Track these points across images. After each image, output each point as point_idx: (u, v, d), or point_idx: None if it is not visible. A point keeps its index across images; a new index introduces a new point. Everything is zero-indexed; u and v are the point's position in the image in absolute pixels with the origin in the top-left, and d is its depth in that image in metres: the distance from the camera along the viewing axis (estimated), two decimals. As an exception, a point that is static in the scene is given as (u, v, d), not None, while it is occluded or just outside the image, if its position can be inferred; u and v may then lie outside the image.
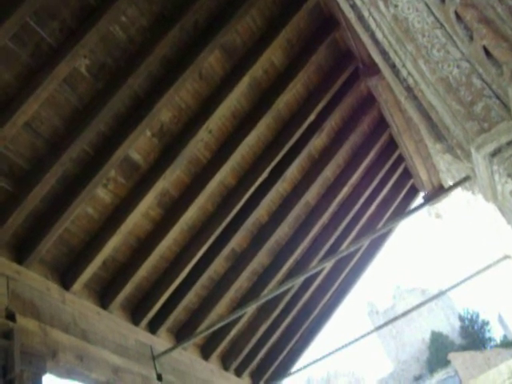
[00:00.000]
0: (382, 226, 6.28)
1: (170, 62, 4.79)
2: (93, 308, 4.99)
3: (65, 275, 4.80)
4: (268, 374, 8.11)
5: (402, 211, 9.14)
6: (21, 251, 4.36)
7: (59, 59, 3.85)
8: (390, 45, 3.22)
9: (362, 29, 3.59)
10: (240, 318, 6.84)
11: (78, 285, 4.79)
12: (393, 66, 3.54)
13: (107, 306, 5.16)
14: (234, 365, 7.39)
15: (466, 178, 4.46)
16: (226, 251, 6.25)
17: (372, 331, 7.23)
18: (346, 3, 3.55)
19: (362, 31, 3.64)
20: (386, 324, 7.44)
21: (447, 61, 2.80)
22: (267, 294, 5.66)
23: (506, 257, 6.14)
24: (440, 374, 45.79)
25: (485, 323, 53.45)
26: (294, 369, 8.51)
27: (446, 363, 45.46)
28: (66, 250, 4.79)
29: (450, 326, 56.35)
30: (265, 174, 6.14)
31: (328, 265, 8.14)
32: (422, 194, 9.05)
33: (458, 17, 2.64)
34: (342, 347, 6.86)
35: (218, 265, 6.43)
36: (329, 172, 7.42)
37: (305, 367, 7.15)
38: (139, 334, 5.52)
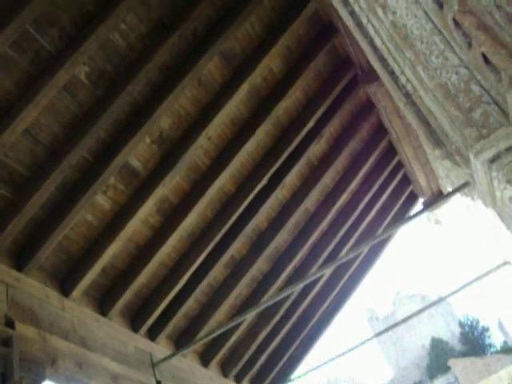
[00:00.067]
0: (382, 233, 6.28)
1: (169, 69, 4.80)
2: (92, 315, 4.98)
3: (64, 282, 4.79)
4: (268, 381, 8.09)
5: (401, 217, 9.14)
6: (20, 258, 4.35)
7: (59, 66, 3.86)
8: (388, 51, 3.23)
9: (360, 35, 3.60)
10: (239, 324, 6.83)
11: (77, 292, 4.78)
12: (391, 73, 3.55)
13: (107, 313, 5.16)
14: (234, 372, 7.37)
15: (465, 184, 4.46)
16: (225, 258, 6.24)
17: (372, 337, 7.22)
18: (344, 10, 3.56)
19: (360, 38, 3.65)
20: (386, 330, 7.42)
21: (446, 67, 2.81)
22: (267, 301, 5.65)
23: (506, 263, 6.14)
24: (440, 381, 45.69)
25: (485, 329, 53.39)
26: (293, 375, 8.49)
27: (446, 369, 45.38)
28: (66, 256, 4.79)
29: (450, 333, 56.27)
30: (264, 181, 6.14)
31: (327, 271, 8.14)
32: (421, 200, 9.06)
33: (457, 23, 2.65)
34: (342, 353, 6.85)
35: (218, 272, 6.42)
36: (328, 179, 7.42)
37: (305, 374, 7.14)
38: (139, 341, 5.51)
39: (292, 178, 6.81)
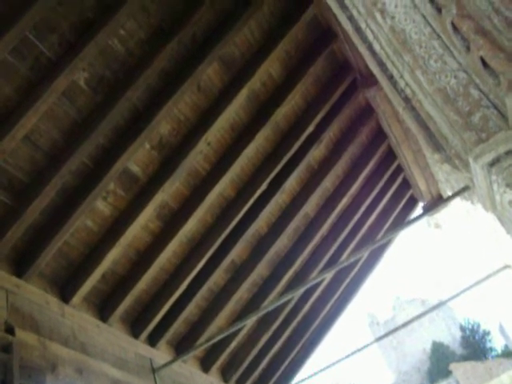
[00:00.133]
0: (382, 237, 6.29)
1: (168, 75, 4.81)
2: (92, 321, 4.98)
3: (64, 288, 4.79)
4: (268, 387, 8.07)
5: (401, 222, 9.14)
6: (20, 264, 4.35)
7: (58, 72, 3.87)
8: (387, 56, 3.23)
9: (359, 40, 3.60)
10: (240, 329, 6.82)
11: (77, 298, 4.77)
12: (390, 77, 3.55)
13: (107, 319, 5.15)
14: (235, 377, 7.36)
15: (465, 188, 4.47)
16: (225, 263, 6.24)
17: (373, 342, 7.21)
18: (343, 15, 3.57)
19: (359, 43, 3.65)
20: (386, 335, 7.42)
21: (444, 71, 2.81)
22: (267, 306, 5.64)
23: (506, 266, 6.13)
24: (441, 385, 45.61)
25: (486, 333, 53.32)
26: (294, 381, 8.47)
27: (447, 374, 45.32)
28: (66, 263, 4.78)
29: (450, 337, 56.19)
30: (264, 186, 6.14)
31: (328, 276, 8.14)
32: (421, 205, 9.05)
33: (455, 28, 2.65)
34: (343, 358, 6.84)
35: (218, 277, 6.42)
36: (328, 183, 7.43)
37: (306, 379, 7.12)
38: (139, 347, 5.50)
39: (292, 183, 6.81)
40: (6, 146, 3.80)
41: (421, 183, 8.18)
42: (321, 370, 6.80)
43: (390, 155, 8.13)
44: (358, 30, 3.48)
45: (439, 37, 2.82)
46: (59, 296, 4.71)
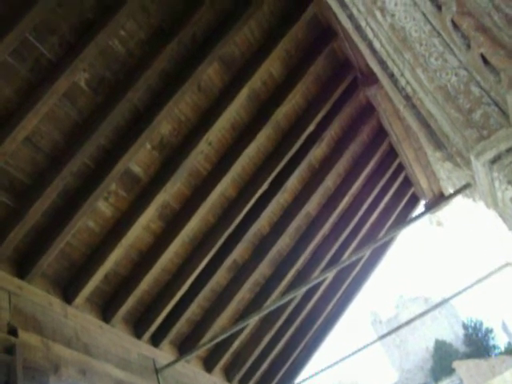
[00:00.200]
0: (384, 235, 6.28)
1: (168, 75, 4.81)
2: (95, 322, 4.98)
3: (67, 289, 4.79)
4: (272, 386, 8.07)
5: (403, 220, 9.14)
6: (22, 266, 4.35)
7: (59, 74, 3.87)
8: (387, 54, 3.23)
9: (359, 39, 3.60)
10: (243, 329, 6.82)
11: (79, 299, 4.78)
12: (391, 75, 3.55)
13: (109, 320, 5.15)
14: (238, 377, 7.36)
15: (467, 186, 4.46)
16: (227, 263, 6.24)
17: (375, 340, 7.20)
18: (343, 14, 3.56)
19: (359, 41, 3.65)
20: (389, 333, 7.41)
21: (445, 69, 2.81)
22: (270, 305, 5.64)
23: (508, 264, 6.13)
24: (445, 383, 45.60)
25: (488, 331, 53.28)
26: (297, 380, 8.47)
27: (450, 371, 45.30)
28: (68, 264, 4.79)
29: (453, 334, 56.16)
30: (265, 185, 6.14)
31: (330, 275, 8.13)
32: (422, 203, 9.05)
33: (455, 25, 2.65)
34: (346, 357, 6.83)
35: (220, 276, 6.42)
36: (329, 182, 7.43)
37: (309, 378, 7.12)
38: (142, 348, 5.51)
39: (293, 182, 6.81)
40: (7, 147, 3.80)
41: (422, 181, 8.18)
42: (324, 369, 6.80)
43: (391, 153, 8.13)
44: (358, 28, 3.48)
45: (439, 34, 2.82)
46: (62, 297, 4.71)
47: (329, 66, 6.50)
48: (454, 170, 3.45)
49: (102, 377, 4.57)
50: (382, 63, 3.51)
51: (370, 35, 3.30)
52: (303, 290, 6.20)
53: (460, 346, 53.07)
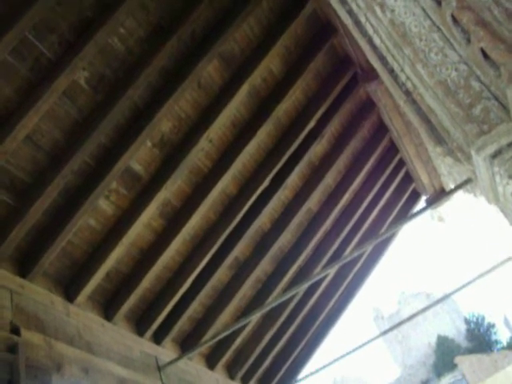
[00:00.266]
0: (385, 231, 6.28)
1: (168, 73, 4.81)
2: (97, 320, 4.99)
3: (68, 288, 4.79)
4: (274, 382, 8.08)
5: (404, 215, 9.13)
6: (24, 265, 4.36)
7: (58, 72, 3.87)
8: (387, 50, 3.23)
9: (359, 34, 3.59)
10: (245, 326, 6.83)
11: (81, 297, 4.78)
12: (391, 71, 3.54)
13: (111, 318, 5.16)
14: (240, 374, 7.37)
15: (468, 181, 4.46)
16: (229, 260, 6.24)
17: (377, 336, 7.20)
18: (342, 9, 3.56)
19: (359, 37, 3.64)
20: (391, 329, 7.41)
21: (445, 64, 2.81)
22: (271, 302, 5.64)
23: (510, 258, 6.13)
24: (447, 378, 45.65)
25: (491, 326, 53.30)
26: (300, 376, 8.48)
27: (452, 367, 45.33)
28: (69, 262, 4.79)
29: (455, 330, 56.20)
30: (266, 182, 6.14)
31: (332, 271, 8.13)
32: (424, 198, 9.05)
33: (455, 20, 2.64)
34: (349, 353, 6.84)
35: (222, 274, 6.42)
36: (330, 178, 7.42)
37: (311, 374, 7.13)
38: (144, 345, 5.51)
39: (294, 179, 6.81)
40: (8, 146, 3.81)
41: (423, 177, 8.18)
42: (326, 365, 6.80)
43: (392, 149, 8.12)
44: (357, 23, 3.47)
45: (439, 29, 2.81)
46: (64, 295, 4.72)
47: (329, 62, 6.49)
48: (455, 165, 3.45)
49: (105, 375, 4.58)
50: (382, 59, 3.51)
51: (370, 31, 3.29)
52: (305, 286, 6.21)
53: (462, 342, 53.10)
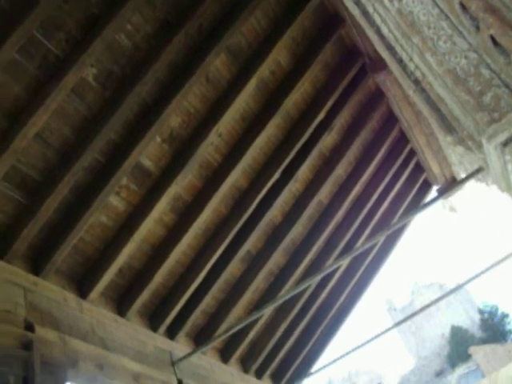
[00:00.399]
0: (397, 222, 6.26)
1: (176, 68, 4.80)
2: (110, 316, 5.01)
3: (81, 284, 4.82)
4: (288, 375, 8.09)
5: (415, 206, 9.09)
6: (37, 262, 4.38)
7: (66, 70, 3.87)
8: (395, 39, 3.20)
9: (367, 24, 3.57)
10: (258, 319, 6.83)
11: (94, 293, 4.80)
12: (400, 61, 3.52)
13: (125, 314, 5.18)
14: (254, 367, 7.38)
15: (479, 170, 4.43)
16: (241, 253, 6.25)
17: (391, 328, 7.19)
18: (349, 0, 3.54)
19: (367, 27, 3.62)
20: (404, 320, 7.40)
21: (454, 52, 2.78)
22: (284, 295, 5.65)
23: (523, 247, 6.08)
24: (462, 369, 45.51)
25: (504, 315, 53.02)
26: (314, 368, 8.49)
27: (467, 357, 45.16)
28: (82, 259, 4.81)
29: (469, 320, 55.98)
30: (276, 175, 6.13)
31: (344, 263, 8.11)
32: (435, 188, 9.00)
33: (464, 7, 2.62)
34: (362, 345, 6.83)
35: (234, 267, 6.43)
36: (340, 170, 7.40)
37: (325, 366, 7.13)
38: (158, 340, 5.53)
39: (304, 171, 6.79)
40: (18, 144, 3.82)
41: (434, 167, 8.14)
42: (340, 357, 6.80)
43: (402, 139, 8.08)
44: (365, 14, 3.45)
45: (447, 17, 2.79)
46: (77, 292, 4.74)
47: (337, 53, 6.46)
48: (466, 154, 3.42)
49: (119, 370, 4.60)
50: (391, 48, 3.48)
51: (378, 21, 3.27)
52: (317, 278, 6.21)
53: (476, 332, 52.87)
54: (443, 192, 8.01)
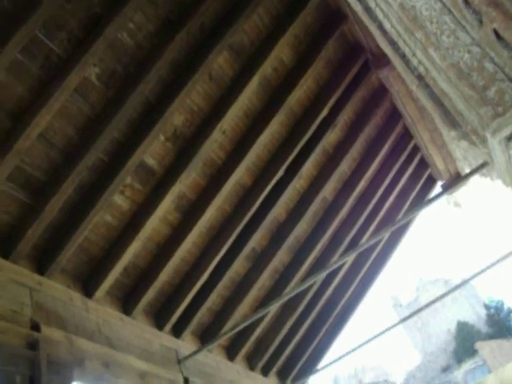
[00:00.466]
0: (401, 218, 6.25)
1: (179, 66, 4.80)
2: (116, 315, 5.02)
3: (87, 283, 4.82)
4: (295, 372, 8.09)
5: (420, 202, 9.07)
6: (42, 262, 4.39)
7: (69, 69, 3.88)
8: (398, 34, 3.19)
9: (369, 20, 3.56)
10: (264, 316, 6.83)
11: (100, 292, 4.81)
12: (403, 56, 3.51)
13: (130, 312, 5.19)
14: (260, 364, 7.38)
15: (484, 165, 4.42)
16: (246, 251, 6.25)
17: (397, 324, 7.19)
18: (352, -5, 3.53)
19: (369, 22, 3.61)
20: (410, 316, 7.39)
21: (457, 46, 2.77)
22: (290, 292, 5.64)
23: (529, 242, 6.07)
24: (468, 364, 45.44)
25: (510, 311, 52.89)
26: (320, 365, 8.48)
27: (473, 353, 45.09)
28: (87, 258, 4.82)
29: (475, 315, 55.88)
30: (281, 172, 6.12)
31: (349, 259, 8.10)
32: (439, 184, 8.98)
33: (466, 1, 2.61)
34: (368, 341, 6.83)
35: (239, 265, 6.43)
36: (344, 166, 7.39)
37: (331, 363, 7.13)
38: (164, 339, 5.54)
39: (308, 168, 6.78)
40: (22, 145, 3.83)
41: (438, 162, 8.12)
42: (346, 354, 6.80)
43: (406, 135, 8.07)
44: (367, 9, 3.44)
45: (450, 12, 2.77)
46: (82, 291, 4.75)
47: (339, 50, 6.45)
48: (470, 149, 3.42)
49: (125, 369, 4.61)
50: (393, 44, 3.47)
51: (380, 16, 3.26)
52: (323, 275, 6.21)
53: (482, 327, 52.77)
54: (448, 187, 7.99)
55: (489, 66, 2.68)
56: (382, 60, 6.19)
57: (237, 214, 6.00)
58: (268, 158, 6.16)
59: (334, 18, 6.05)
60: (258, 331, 6.98)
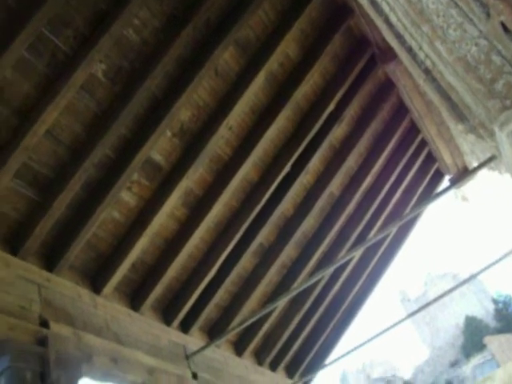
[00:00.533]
0: (409, 212, 6.23)
1: (185, 62, 4.80)
2: (124, 311, 5.03)
3: (95, 280, 4.84)
4: (303, 367, 8.10)
5: (428, 196, 9.05)
6: (50, 259, 4.41)
7: (75, 66, 3.89)
8: (405, 28, 3.18)
9: (375, 14, 3.54)
10: (272, 312, 6.83)
11: (108, 288, 4.82)
12: (409, 50, 3.49)
13: (138, 308, 5.20)
14: (268, 359, 7.39)
15: (491, 158, 4.40)
16: (253, 246, 6.25)
17: (404, 319, 7.18)
18: (357, -11, 3.52)
19: (375, 16, 3.59)
20: (418, 310, 7.38)
21: (464, 40, 2.76)
22: (297, 287, 5.65)
23: (537, 235, 6.04)
24: (476, 359, 45.36)
25: (519, 305, 52.72)
26: (328, 360, 8.48)
27: (481, 347, 45.00)
28: (95, 254, 4.83)
29: (483, 310, 55.77)
30: (287, 168, 6.12)
31: (357, 254, 8.09)
32: (447, 178, 8.95)
33: (473, -6, 2.59)
34: (376, 336, 6.82)
35: (247, 260, 6.43)
36: (351, 161, 7.37)
37: (339, 358, 7.13)
38: (172, 334, 5.55)
39: (315, 163, 6.77)
40: (29, 142, 3.84)
41: (446, 156, 8.08)
42: (354, 349, 6.80)
43: (413, 130, 8.04)
44: (373, 3, 3.42)
45: (457, 5, 2.76)
46: (90, 287, 4.76)
47: (346, 44, 6.43)
48: (478, 143, 3.40)
49: (134, 364, 4.62)
50: (400, 37, 3.46)
51: (386, 9, 3.25)
52: (330, 270, 6.20)
53: (491, 322, 52.65)
54: (455, 181, 7.96)
55: (496, 58, 2.66)
56: (389, 54, 6.17)
57: (244, 209, 6.00)
58: (275, 154, 6.15)
59: (340, 12, 6.03)
60: (265, 326, 6.98)
